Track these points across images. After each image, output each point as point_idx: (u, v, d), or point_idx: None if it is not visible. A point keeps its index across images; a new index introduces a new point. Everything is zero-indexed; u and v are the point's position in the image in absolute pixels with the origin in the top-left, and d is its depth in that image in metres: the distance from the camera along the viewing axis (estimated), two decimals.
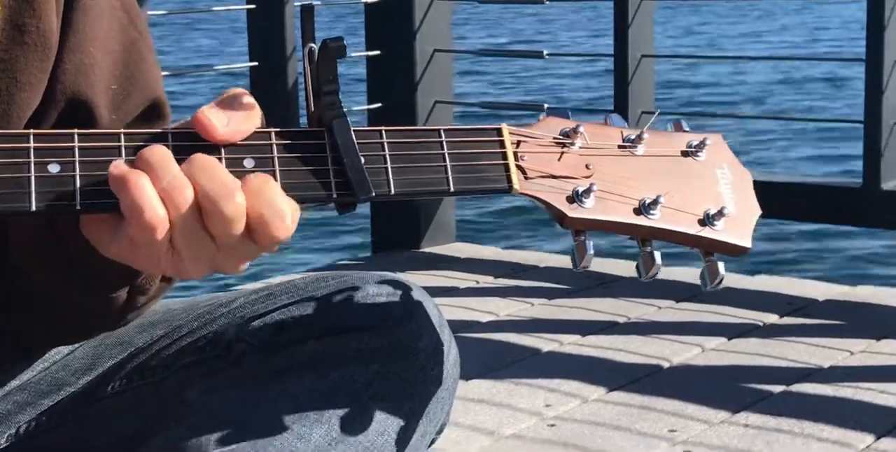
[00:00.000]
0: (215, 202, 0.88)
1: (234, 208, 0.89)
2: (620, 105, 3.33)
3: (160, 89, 1.11)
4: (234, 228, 0.89)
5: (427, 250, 3.50)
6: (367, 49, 3.57)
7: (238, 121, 0.92)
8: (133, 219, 0.88)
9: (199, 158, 0.90)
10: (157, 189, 0.88)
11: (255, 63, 3.43)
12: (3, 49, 1.02)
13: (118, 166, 0.89)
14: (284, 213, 0.90)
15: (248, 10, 3.43)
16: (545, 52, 3.70)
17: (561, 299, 2.94)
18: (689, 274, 2.92)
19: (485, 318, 2.81)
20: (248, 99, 0.93)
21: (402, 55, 3.55)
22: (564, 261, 3.33)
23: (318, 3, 3.97)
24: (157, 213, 0.88)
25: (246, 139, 0.92)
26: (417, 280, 1.14)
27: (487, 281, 3.15)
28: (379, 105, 3.54)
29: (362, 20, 3.61)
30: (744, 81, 10.44)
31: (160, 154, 0.89)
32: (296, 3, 3.46)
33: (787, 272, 4.18)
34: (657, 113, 1.06)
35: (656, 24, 3.45)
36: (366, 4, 3.58)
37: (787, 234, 5.28)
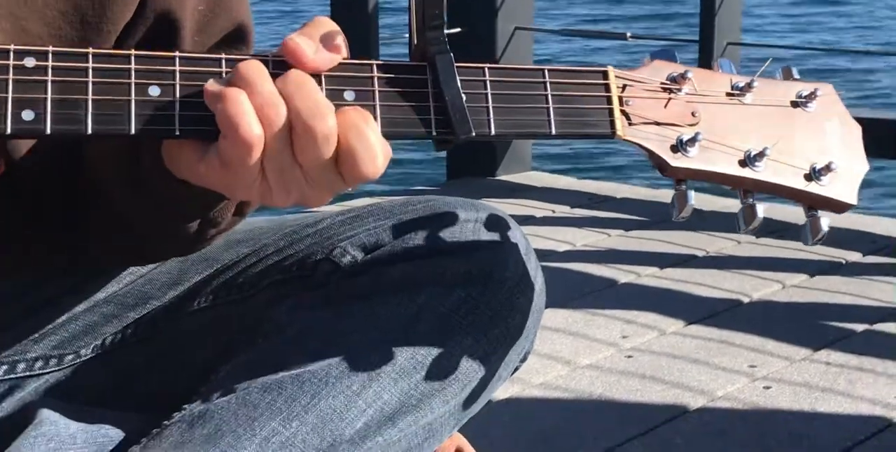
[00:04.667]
0: (307, 120, 0.87)
1: (325, 129, 0.87)
2: (706, 35, 3.26)
3: (246, 13, 1.09)
4: (322, 151, 0.87)
5: (502, 178, 3.48)
6: None
7: (326, 49, 0.90)
8: (229, 134, 0.86)
9: (295, 75, 0.88)
10: (253, 104, 0.86)
11: None
12: None
13: (215, 82, 0.88)
14: (375, 151, 0.88)
15: None
16: None
17: (638, 231, 2.92)
18: (771, 209, 2.86)
19: (561, 248, 2.79)
20: (334, 27, 0.91)
21: None
22: (641, 193, 3.30)
23: None
24: (253, 129, 0.86)
25: (347, 71, 0.91)
26: None
27: (564, 210, 3.13)
28: (457, 30, 3.50)
29: None
30: None
31: (256, 69, 0.88)
32: None
33: (870, 209, 4.11)
34: (769, 60, 1.02)
35: None
36: None
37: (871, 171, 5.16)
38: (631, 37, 3.65)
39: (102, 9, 1.01)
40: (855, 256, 2.71)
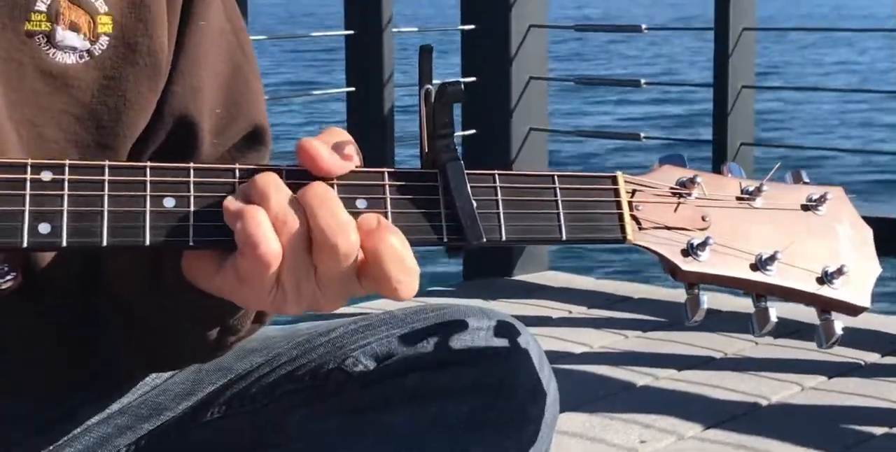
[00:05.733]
0: (329, 237, 0.87)
1: (347, 246, 0.87)
2: (719, 135, 3.29)
3: (262, 115, 1.11)
4: (343, 266, 0.88)
5: (519, 278, 3.48)
6: (463, 75, 3.57)
7: (339, 155, 0.91)
8: (247, 252, 0.87)
9: (317, 187, 0.88)
10: (270, 218, 0.87)
11: (352, 88, 3.45)
12: (113, 67, 1.02)
13: (233, 200, 0.88)
14: (414, 275, 0.88)
15: (347, 35, 3.46)
16: (643, 81, 3.68)
17: (656, 332, 2.90)
18: (788, 309, 2.85)
19: (578, 349, 2.78)
20: (347, 136, 0.92)
21: (498, 82, 3.55)
22: (658, 293, 3.29)
23: (415, 29, 3.99)
24: (271, 246, 0.86)
25: (358, 179, 0.92)
26: (510, 308, 1.13)
27: (581, 311, 3.12)
28: (473, 131, 3.54)
29: (456, 46, 3.62)
30: None
31: (272, 181, 0.88)
32: (393, 29, 3.48)
33: (889, 310, 4.08)
34: (777, 165, 1.03)
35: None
36: (462, 31, 3.59)
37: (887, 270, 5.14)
38: (645, 137, 3.69)
39: (118, 114, 1.03)
40: (873, 357, 2.69)
